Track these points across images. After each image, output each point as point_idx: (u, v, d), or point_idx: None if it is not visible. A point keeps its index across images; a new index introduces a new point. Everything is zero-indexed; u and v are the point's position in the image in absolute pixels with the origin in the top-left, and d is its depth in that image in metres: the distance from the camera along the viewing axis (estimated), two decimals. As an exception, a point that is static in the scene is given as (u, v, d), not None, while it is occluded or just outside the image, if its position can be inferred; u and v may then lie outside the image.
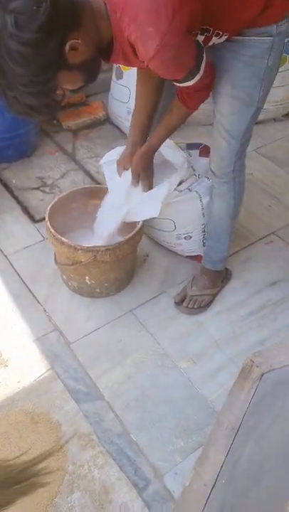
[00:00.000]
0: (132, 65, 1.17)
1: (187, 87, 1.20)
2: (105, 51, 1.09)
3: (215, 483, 1.08)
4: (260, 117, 2.53)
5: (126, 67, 2.17)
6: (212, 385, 1.43)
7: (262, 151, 2.41)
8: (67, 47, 0.97)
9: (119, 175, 1.52)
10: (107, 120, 2.51)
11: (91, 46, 1.04)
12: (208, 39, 1.16)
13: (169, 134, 1.40)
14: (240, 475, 1.05)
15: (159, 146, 1.44)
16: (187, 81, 1.16)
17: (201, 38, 1.15)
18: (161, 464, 1.26)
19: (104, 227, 1.57)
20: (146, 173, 1.46)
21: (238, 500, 0.95)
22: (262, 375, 1.27)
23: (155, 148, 1.44)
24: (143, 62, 1.07)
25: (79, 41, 0.98)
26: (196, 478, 1.10)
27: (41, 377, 1.42)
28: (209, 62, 1.18)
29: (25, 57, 0.92)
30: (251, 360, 1.27)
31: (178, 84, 1.20)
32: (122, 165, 1.51)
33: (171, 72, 1.12)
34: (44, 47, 0.93)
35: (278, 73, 2.37)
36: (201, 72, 1.15)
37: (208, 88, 1.24)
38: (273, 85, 2.45)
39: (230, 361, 1.50)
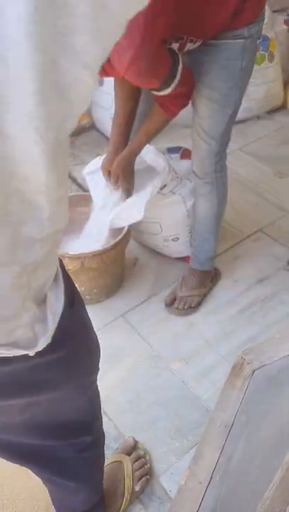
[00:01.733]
0: (109, 75, 1.19)
1: (166, 96, 1.21)
2: None
3: (210, 481, 1.10)
4: (244, 115, 2.59)
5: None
6: (205, 385, 1.45)
7: (246, 149, 2.44)
8: None
9: (105, 179, 1.53)
10: (92, 127, 2.54)
11: None
12: (182, 45, 1.18)
13: (149, 138, 1.41)
14: (232, 471, 1.07)
15: (140, 150, 1.45)
16: (163, 90, 1.18)
17: (175, 46, 1.17)
18: (157, 464, 1.27)
19: (94, 236, 1.59)
20: (124, 175, 1.46)
21: (229, 496, 0.97)
22: (253, 372, 1.29)
23: (136, 153, 1.45)
24: (119, 73, 1.09)
25: None
26: (191, 476, 1.11)
27: (35, 386, 1.43)
28: (188, 71, 1.21)
29: None
30: (242, 357, 1.29)
31: (156, 93, 1.21)
32: (105, 169, 1.51)
33: (147, 82, 1.15)
34: None
35: (259, 71, 2.44)
36: (176, 80, 1.16)
37: (186, 96, 1.26)
38: (255, 83, 2.51)
39: (223, 359, 1.52)
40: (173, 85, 1.17)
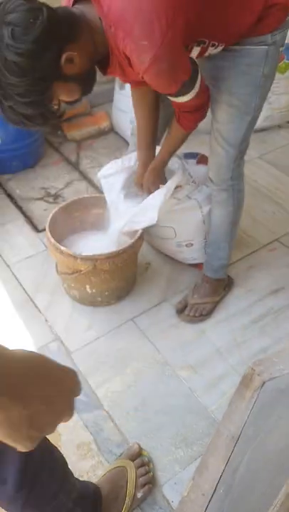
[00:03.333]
0: (129, 77, 1.18)
1: (182, 105, 1.21)
2: (102, 64, 1.12)
3: (213, 494, 1.07)
4: (264, 124, 2.56)
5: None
6: (213, 395, 1.42)
7: (266, 158, 2.41)
8: (63, 59, 0.99)
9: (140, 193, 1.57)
10: (111, 130, 2.54)
11: (87, 59, 1.06)
12: (204, 50, 1.17)
13: (172, 152, 1.43)
14: (237, 485, 1.04)
15: (165, 164, 1.48)
16: (181, 95, 1.17)
17: (197, 50, 1.16)
18: (160, 473, 1.24)
19: (107, 238, 1.61)
20: (155, 187, 1.50)
21: (233, 510, 0.94)
22: (263, 384, 1.26)
23: (162, 166, 1.48)
24: (138, 73, 1.09)
25: (75, 53, 1.00)
26: (194, 488, 1.09)
27: (42, 387, 1.42)
28: (206, 86, 1.21)
29: (21, 67, 0.94)
30: (252, 368, 1.26)
31: (173, 99, 1.21)
32: (139, 183, 1.56)
33: (165, 85, 1.14)
34: (40, 58, 0.95)
35: (282, 79, 2.42)
36: (196, 88, 1.16)
37: (202, 109, 1.26)
38: (278, 92, 2.49)
39: (232, 370, 1.49)
40: (191, 93, 1.17)
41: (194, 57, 1.19)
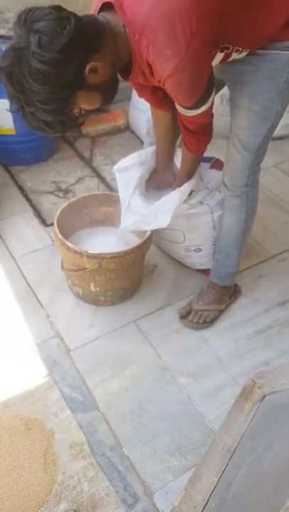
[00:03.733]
0: (150, 84, 1.17)
1: (188, 119, 1.24)
2: (124, 70, 1.11)
3: (205, 506, 1.04)
4: (282, 133, 2.52)
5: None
6: (211, 404, 1.39)
7: (281, 167, 2.37)
8: (87, 69, 0.99)
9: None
10: (127, 128, 2.52)
11: (110, 68, 1.06)
12: (227, 56, 1.16)
13: (190, 176, 1.49)
14: (230, 499, 1.01)
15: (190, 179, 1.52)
16: (193, 109, 1.18)
17: (220, 55, 1.15)
18: (152, 481, 1.22)
19: (116, 236, 1.62)
20: None
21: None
22: (263, 397, 1.23)
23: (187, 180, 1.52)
24: (159, 81, 1.08)
25: (99, 64, 1.00)
26: (186, 498, 1.06)
27: (38, 384, 1.40)
28: (212, 105, 1.22)
29: (45, 75, 0.93)
30: (253, 380, 1.23)
31: (183, 113, 1.22)
32: (153, 185, 1.61)
33: (184, 96, 1.14)
34: (64, 67, 0.95)
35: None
36: (208, 104, 1.17)
37: (207, 133, 1.30)
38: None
39: (233, 380, 1.46)
40: (202, 108, 1.18)
41: (218, 63, 1.17)
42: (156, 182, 1.60)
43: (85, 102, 1.05)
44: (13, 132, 2.03)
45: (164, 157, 1.56)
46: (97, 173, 2.23)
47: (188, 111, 1.19)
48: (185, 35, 0.97)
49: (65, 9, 0.97)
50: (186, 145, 1.36)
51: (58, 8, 0.96)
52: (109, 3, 1.02)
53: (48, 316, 1.60)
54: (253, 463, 1.02)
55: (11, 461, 1.23)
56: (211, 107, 1.21)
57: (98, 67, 1.00)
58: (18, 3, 2.29)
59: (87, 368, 1.45)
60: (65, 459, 1.25)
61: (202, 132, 1.29)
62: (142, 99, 2.29)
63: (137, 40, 1.01)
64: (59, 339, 1.53)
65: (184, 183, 1.49)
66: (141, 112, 2.32)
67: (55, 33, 0.92)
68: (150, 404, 1.38)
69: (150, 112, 1.51)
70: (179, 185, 1.50)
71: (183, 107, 1.19)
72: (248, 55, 1.18)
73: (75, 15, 0.97)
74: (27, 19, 0.94)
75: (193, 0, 0.97)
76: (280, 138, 2.51)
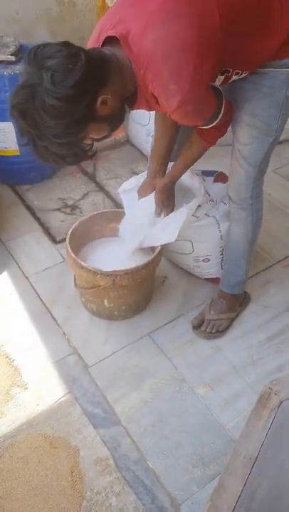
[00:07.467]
0: (154, 110, 1.21)
1: (206, 129, 1.25)
2: (129, 99, 1.15)
3: (232, 515, 1.07)
4: (281, 137, 2.55)
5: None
6: (230, 412, 1.42)
7: (281, 172, 2.41)
8: (98, 101, 1.02)
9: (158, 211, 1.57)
10: (128, 141, 2.55)
11: (118, 99, 1.09)
12: (228, 78, 1.20)
13: (188, 166, 1.44)
14: (258, 507, 1.04)
15: (179, 177, 1.49)
16: (207, 125, 1.22)
17: (220, 79, 1.18)
18: (177, 493, 1.25)
19: (126, 254, 1.62)
20: (169, 202, 1.51)
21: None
22: (280, 403, 1.26)
23: (175, 180, 1.49)
24: (166, 112, 1.12)
25: (109, 96, 1.03)
26: (212, 508, 1.09)
27: (60, 401, 1.44)
28: (229, 103, 1.23)
29: (59, 111, 0.96)
30: (269, 387, 1.26)
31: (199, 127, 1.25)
32: (142, 193, 1.56)
33: (192, 122, 1.18)
34: (78, 102, 0.97)
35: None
36: (220, 117, 1.20)
37: (226, 124, 1.28)
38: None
39: (249, 388, 1.49)
40: (216, 121, 1.21)
41: (218, 85, 1.20)
42: (143, 187, 1.55)
43: (95, 133, 1.08)
44: (18, 153, 2.06)
45: (160, 155, 1.48)
46: (101, 188, 2.26)
47: (202, 127, 1.23)
48: (189, 69, 1.01)
49: (73, 45, 1.00)
50: (202, 135, 1.29)
51: (67, 45, 0.98)
52: (114, 36, 1.06)
53: (64, 334, 1.64)
54: (277, 472, 1.05)
55: (39, 480, 1.26)
56: (226, 111, 1.20)
57: (108, 100, 1.03)
58: (11, 27, 2.33)
59: (106, 384, 1.49)
60: (92, 475, 1.28)
61: (220, 128, 1.26)
62: (140, 113, 2.31)
63: (142, 75, 1.05)
64: (77, 356, 1.57)
65: (179, 174, 1.45)
66: (140, 125, 2.35)
67: (67, 69, 0.94)
68: (170, 416, 1.41)
69: (150, 125, 1.52)
70: (172, 177, 1.45)
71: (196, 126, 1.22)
72: (247, 74, 1.22)
73: (84, 50, 0.99)
74: (37, 56, 0.96)
75: (196, 36, 1.00)
76: (279, 143, 2.54)
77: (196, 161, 1.41)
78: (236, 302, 1.70)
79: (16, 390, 1.47)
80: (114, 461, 1.31)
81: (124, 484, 1.26)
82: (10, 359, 1.55)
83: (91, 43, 1.14)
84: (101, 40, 1.09)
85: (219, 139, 1.32)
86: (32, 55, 0.98)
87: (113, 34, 1.05)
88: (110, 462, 1.31)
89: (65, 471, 1.28)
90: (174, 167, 1.45)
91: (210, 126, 1.22)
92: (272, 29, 1.13)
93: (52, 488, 1.25)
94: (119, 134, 2.55)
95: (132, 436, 1.36)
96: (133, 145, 2.52)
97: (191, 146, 1.36)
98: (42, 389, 1.47)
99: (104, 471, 1.29)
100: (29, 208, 2.13)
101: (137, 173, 2.33)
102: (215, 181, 1.67)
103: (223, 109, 1.19)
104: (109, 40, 1.08)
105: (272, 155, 1.43)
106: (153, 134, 1.56)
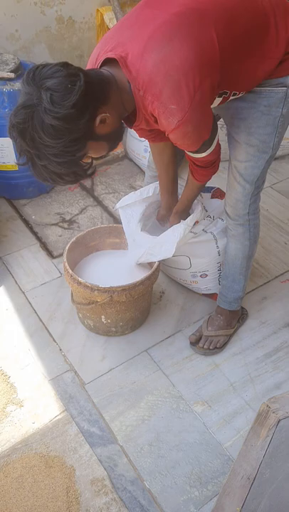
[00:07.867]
0: (153, 129, 1.22)
1: (197, 160, 1.29)
2: (127, 118, 1.16)
3: (230, 538, 1.06)
4: (278, 153, 2.57)
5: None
6: (227, 431, 1.41)
7: (278, 187, 2.43)
8: (97, 120, 1.03)
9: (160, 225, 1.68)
10: (126, 156, 2.57)
11: (117, 118, 1.10)
12: (225, 99, 1.21)
13: (192, 199, 1.54)
14: (256, 531, 1.02)
15: (188, 207, 1.57)
16: (199, 153, 1.24)
17: (218, 100, 1.20)
18: (175, 514, 1.23)
19: (124, 270, 1.64)
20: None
21: None
22: (278, 422, 1.25)
23: (185, 210, 1.57)
24: (164, 132, 1.14)
25: (108, 114, 1.04)
26: (210, 531, 1.07)
27: (56, 419, 1.42)
28: (218, 143, 1.27)
29: (58, 130, 0.97)
30: (267, 405, 1.25)
31: (190, 155, 1.28)
32: (161, 222, 1.66)
33: (189, 144, 1.19)
34: (77, 122, 0.98)
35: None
36: (212, 147, 1.23)
37: (214, 165, 1.33)
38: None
39: (247, 405, 1.48)
40: (208, 151, 1.24)
41: (216, 106, 1.22)
42: (161, 218, 1.65)
43: (93, 152, 1.08)
44: (16, 168, 2.07)
45: (168, 190, 1.59)
46: (99, 202, 2.27)
47: (194, 154, 1.25)
48: (188, 90, 1.02)
49: (72, 65, 1.01)
50: (193, 175, 1.38)
51: (66, 65, 0.99)
52: (112, 58, 1.07)
53: (60, 350, 1.62)
54: (276, 493, 1.04)
55: (34, 500, 1.24)
56: (218, 146, 1.26)
57: (107, 118, 1.04)
58: (11, 45, 2.36)
59: (103, 401, 1.47)
60: (88, 495, 1.26)
61: (210, 167, 1.33)
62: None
63: (141, 96, 1.06)
64: (73, 373, 1.55)
65: (185, 206, 1.54)
66: (138, 141, 2.37)
67: (66, 89, 0.95)
68: (167, 435, 1.40)
69: (149, 146, 1.54)
70: (180, 208, 1.55)
71: (189, 151, 1.24)
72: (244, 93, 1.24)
73: (82, 70, 1.00)
74: (36, 77, 0.97)
75: (195, 56, 1.02)
76: (275, 158, 2.57)
77: (197, 194, 1.52)
78: (234, 318, 1.69)
79: (12, 407, 1.45)
80: (111, 481, 1.29)
81: (121, 506, 1.24)
82: (6, 376, 1.53)
83: (89, 65, 1.15)
84: (99, 62, 1.10)
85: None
86: (31, 75, 0.98)
87: (112, 56, 1.07)
88: (107, 482, 1.29)
89: (61, 492, 1.26)
90: (180, 201, 1.54)
91: (201, 155, 1.24)
92: (268, 52, 1.15)
93: (47, 509, 1.23)
94: (117, 149, 2.56)
95: (129, 456, 1.35)
96: (131, 160, 2.54)
97: (188, 184, 1.46)
98: (38, 407, 1.45)
99: (101, 492, 1.27)
100: (26, 223, 2.13)
101: (135, 188, 2.35)
102: (212, 197, 1.69)
103: (216, 140, 1.22)
104: (108, 62, 1.09)
105: (269, 170, 1.44)
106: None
